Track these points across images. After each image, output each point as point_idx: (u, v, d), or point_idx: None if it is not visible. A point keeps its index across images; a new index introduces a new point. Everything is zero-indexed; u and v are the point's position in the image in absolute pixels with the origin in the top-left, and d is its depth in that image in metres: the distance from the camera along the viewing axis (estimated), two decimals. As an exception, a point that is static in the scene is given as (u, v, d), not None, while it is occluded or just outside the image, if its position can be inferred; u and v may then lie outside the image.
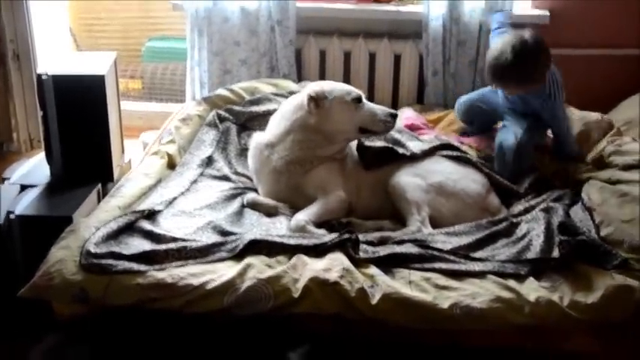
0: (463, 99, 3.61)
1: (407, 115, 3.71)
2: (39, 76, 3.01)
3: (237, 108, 3.56)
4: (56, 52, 4.34)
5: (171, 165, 3.20)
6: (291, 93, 3.47)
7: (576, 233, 2.56)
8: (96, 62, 3.17)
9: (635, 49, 3.99)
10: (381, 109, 2.96)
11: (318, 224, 2.74)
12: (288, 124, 2.96)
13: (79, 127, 3.05)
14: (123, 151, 3.45)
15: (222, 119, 3.50)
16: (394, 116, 2.95)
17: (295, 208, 2.87)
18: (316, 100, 2.89)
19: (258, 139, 3.08)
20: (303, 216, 2.75)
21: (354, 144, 3.07)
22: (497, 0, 3.84)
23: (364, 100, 2.98)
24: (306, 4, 4.09)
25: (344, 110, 2.92)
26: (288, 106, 3.03)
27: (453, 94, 3.99)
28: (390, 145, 3.04)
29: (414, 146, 3.09)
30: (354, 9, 4.07)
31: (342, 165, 3.01)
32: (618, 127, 3.44)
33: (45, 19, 4.24)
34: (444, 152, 3.11)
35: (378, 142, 3.04)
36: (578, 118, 3.47)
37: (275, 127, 3.03)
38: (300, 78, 4.10)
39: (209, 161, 3.23)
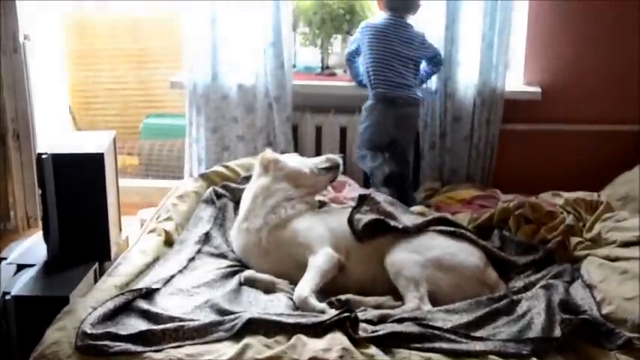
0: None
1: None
2: (39, 156, 3.02)
3: (233, 185, 3.59)
4: (55, 131, 4.37)
5: (169, 242, 3.18)
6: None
7: (578, 312, 2.53)
8: (95, 141, 3.20)
9: (627, 125, 4.05)
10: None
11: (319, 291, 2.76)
12: (252, 193, 3.13)
13: (77, 206, 3.06)
14: (120, 229, 3.44)
15: (219, 196, 3.51)
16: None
17: (292, 281, 2.85)
18: (267, 158, 3.17)
19: (234, 223, 3.20)
20: (304, 289, 2.73)
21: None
22: (491, 75, 3.93)
23: None
24: (303, 82, 4.16)
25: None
26: (249, 187, 3.23)
27: (449, 168, 4.04)
28: (382, 217, 3.04)
29: (408, 220, 3.09)
30: (350, 86, 4.14)
31: (320, 214, 3.13)
32: (608, 201, 3.45)
33: (45, 99, 4.29)
34: (438, 227, 3.09)
35: (370, 215, 3.05)
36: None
37: (243, 204, 3.18)
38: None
39: (206, 238, 3.22)
